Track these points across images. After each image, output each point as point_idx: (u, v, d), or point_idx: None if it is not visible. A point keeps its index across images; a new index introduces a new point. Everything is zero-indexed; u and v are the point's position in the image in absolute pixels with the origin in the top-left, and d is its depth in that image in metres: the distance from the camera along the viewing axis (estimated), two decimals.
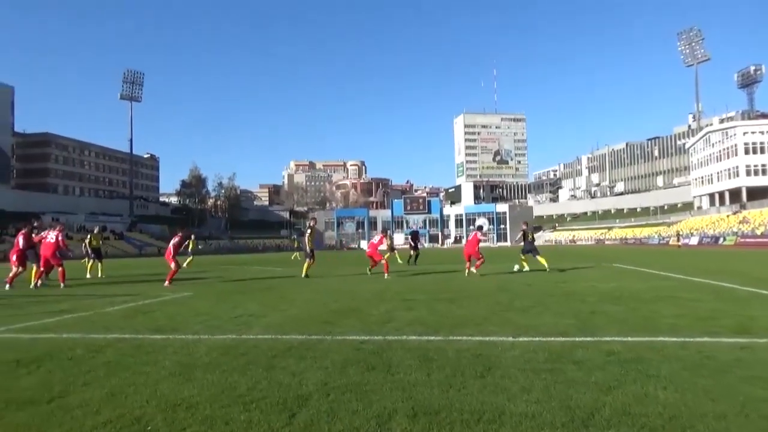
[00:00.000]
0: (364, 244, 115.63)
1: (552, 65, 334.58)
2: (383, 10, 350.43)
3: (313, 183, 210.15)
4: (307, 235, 17.67)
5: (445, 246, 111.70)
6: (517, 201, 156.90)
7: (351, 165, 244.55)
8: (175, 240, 15.32)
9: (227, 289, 13.40)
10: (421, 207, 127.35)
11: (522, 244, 19.08)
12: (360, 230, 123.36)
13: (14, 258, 15.27)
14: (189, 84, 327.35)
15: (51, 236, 15.40)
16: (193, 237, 20.41)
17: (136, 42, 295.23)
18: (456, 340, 5.96)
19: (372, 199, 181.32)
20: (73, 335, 6.67)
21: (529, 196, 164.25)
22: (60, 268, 14.99)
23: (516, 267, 18.10)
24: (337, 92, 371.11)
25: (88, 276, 18.93)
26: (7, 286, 14.22)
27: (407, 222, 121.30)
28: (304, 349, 5.59)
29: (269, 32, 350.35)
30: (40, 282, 14.92)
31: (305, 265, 17.16)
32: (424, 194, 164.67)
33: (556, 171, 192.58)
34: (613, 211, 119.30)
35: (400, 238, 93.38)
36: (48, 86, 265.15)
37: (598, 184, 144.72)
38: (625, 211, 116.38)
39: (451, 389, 4.06)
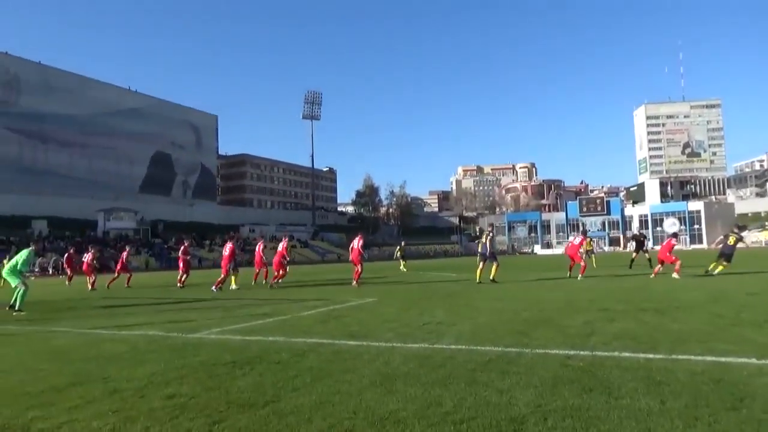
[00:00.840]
0: (537, 249, 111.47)
1: (748, 40, 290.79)
2: None
3: (481, 188, 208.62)
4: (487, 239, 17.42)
5: (628, 249, 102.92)
6: (713, 197, 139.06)
7: (520, 167, 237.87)
8: (359, 242, 17.35)
9: (410, 295, 13.50)
10: (598, 208, 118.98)
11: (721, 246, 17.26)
12: (532, 234, 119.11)
13: (223, 265, 17.35)
14: (363, 100, 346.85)
15: (227, 248, 18.13)
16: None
17: (315, 64, 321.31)
18: (683, 359, 5.09)
19: (544, 201, 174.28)
20: (278, 338, 7.05)
21: (728, 191, 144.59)
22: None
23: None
24: (503, 93, 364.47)
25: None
26: (214, 288, 16.22)
27: (583, 224, 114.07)
28: (504, 362, 5.19)
29: (425, 35, 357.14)
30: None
31: (493, 269, 16.75)
32: (602, 194, 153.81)
33: (763, 161, 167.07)
34: None
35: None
36: (243, 112, 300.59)
37: None
38: None
39: (699, 423, 3.35)
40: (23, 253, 12.13)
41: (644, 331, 6.72)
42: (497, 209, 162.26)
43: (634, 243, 24.40)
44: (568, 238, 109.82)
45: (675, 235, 18.34)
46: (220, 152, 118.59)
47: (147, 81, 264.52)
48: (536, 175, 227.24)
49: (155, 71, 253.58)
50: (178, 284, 20.04)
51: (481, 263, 16.94)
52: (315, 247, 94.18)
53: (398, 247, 33.27)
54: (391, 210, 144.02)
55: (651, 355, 5.31)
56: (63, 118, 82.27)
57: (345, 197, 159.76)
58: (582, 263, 18.17)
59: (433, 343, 6.39)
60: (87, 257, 23.01)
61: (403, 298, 12.45)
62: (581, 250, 19.17)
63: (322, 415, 3.77)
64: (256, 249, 20.27)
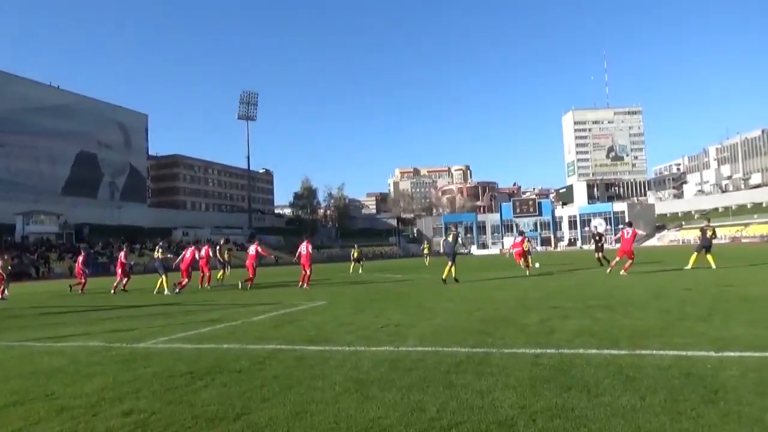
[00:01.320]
0: (474, 249, 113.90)
1: (668, 49, 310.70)
2: (479, 4, 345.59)
3: (418, 190, 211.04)
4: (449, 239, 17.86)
5: (559, 249, 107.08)
6: (636, 199, 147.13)
7: (456, 170, 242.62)
8: (307, 247, 17.90)
9: (360, 297, 13.33)
10: (531, 209, 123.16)
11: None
12: (469, 235, 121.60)
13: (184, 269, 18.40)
14: (300, 100, 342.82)
15: (252, 248, 19.21)
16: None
17: (248, 62, 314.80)
18: (647, 354, 5.21)
19: (479, 203, 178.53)
20: (233, 346, 6.71)
21: (649, 193, 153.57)
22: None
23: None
24: (436, 96, 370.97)
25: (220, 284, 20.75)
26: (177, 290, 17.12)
27: (516, 225, 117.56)
28: (474, 363, 5.13)
29: (362, 39, 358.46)
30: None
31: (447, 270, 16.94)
32: (533, 196, 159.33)
33: (680, 165, 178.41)
34: (749, 206, 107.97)
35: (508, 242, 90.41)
36: (175, 111, 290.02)
37: (729, 177, 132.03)
38: (764, 204, 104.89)
39: (683, 417, 3.39)
40: None
41: (601, 328, 6.87)
42: (434, 210, 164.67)
43: (594, 242, 24.90)
44: (502, 239, 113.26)
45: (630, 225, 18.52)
46: (150, 153, 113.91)
47: (72, 77, 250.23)
48: (471, 177, 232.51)
49: (80, 67, 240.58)
50: (113, 291, 19.22)
51: (450, 262, 16.97)
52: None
53: (353, 250, 32.81)
54: (329, 212, 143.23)
55: (615, 351, 5.40)
56: None
57: (282, 199, 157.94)
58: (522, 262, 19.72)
59: (397, 345, 6.26)
60: None
61: (354, 300, 12.27)
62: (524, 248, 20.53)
63: (301, 426, 3.56)
64: (189, 254, 19.24)
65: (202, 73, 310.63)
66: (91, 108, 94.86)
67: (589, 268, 22.48)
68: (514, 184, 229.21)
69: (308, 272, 17.65)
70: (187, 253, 18.96)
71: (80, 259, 22.45)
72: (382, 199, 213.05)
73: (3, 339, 8.25)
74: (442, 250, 18.72)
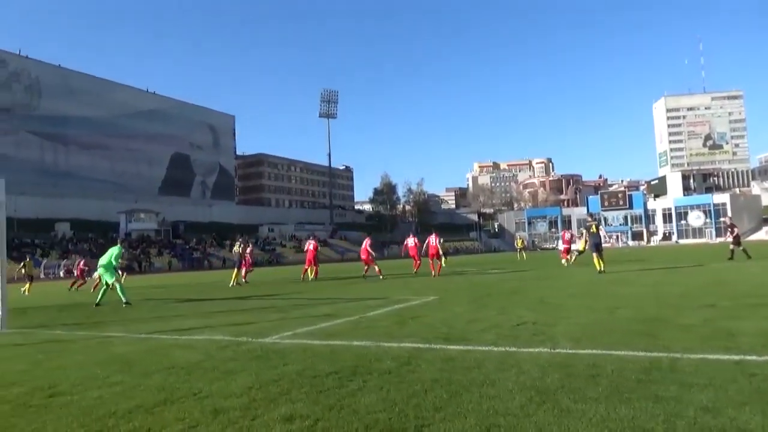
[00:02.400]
0: (560, 245, 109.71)
1: None
2: None
3: (498, 184, 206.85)
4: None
5: (653, 243, 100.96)
6: (737, 190, 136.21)
7: (537, 163, 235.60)
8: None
9: (470, 293, 12.64)
10: (620, 202, 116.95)
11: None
12: (553, 230, 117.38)
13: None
14: (379, 97, 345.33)
15: (311, 244, 21.61)
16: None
17: (331, 63, 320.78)
18: None
19: (562, 197, 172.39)
20: (365, 343, 6.27)
21: (753, 183, 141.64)
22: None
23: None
24: (517, 87, 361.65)
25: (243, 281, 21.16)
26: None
27: (605, 219, 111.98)
28: (665, 370, 4.35)
29: (438, 34, 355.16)
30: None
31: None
32: (622, 188, 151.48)
33: None
34: None
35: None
36: (259, 111, 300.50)
37: None
38: None
39: None
40: (114, 250, 13.38)
41: None
42: (515, 205, 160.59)
43: (730, 233, 23.16)
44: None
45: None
46: (237, 152, 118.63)
47: (165, 82, 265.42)
48: (553, 170, 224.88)
49: (173, 73, 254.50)
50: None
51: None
52: (334, 246, 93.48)
53: None
54: (408, 207, 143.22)
55: None
56: (84, 121, 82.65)
57: (362, 195, 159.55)
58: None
59: (551, 347, 5.56)
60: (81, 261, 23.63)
61: (467, 296, 11.61)
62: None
63: None
64: (310, 248, 21.93)
65: (284, 73, 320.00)
66: (183, 111, 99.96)
67: (699, 265, 20.56)
68: (600, 177, 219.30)
69: (375, 267, 20.18)
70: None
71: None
72: (461, 194, 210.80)
73: (131, 331, 8.30)
74: (582, 243, 20.11)
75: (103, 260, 13.48)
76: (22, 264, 25.22)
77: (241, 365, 5.35)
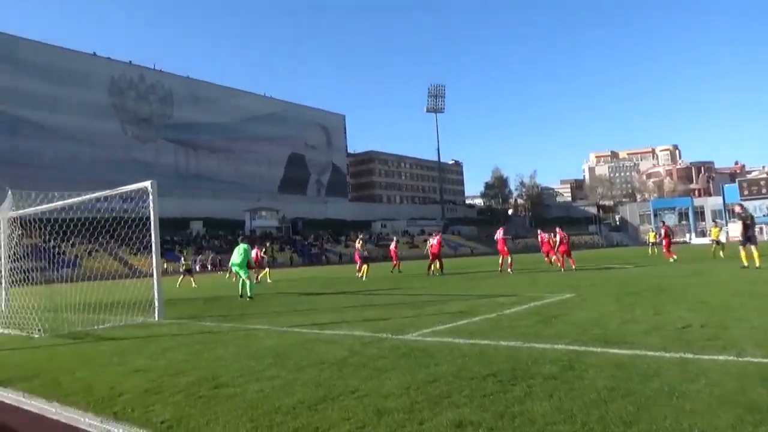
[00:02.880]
0: (692, 238, 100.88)
1: None
2: None
3: (617, 174, 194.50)
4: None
5: None
6: None
7: (661, 150, 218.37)
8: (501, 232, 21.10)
9: (611, 290, 11.74)
10: (763, 191, 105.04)
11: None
12: (683, 222, 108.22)
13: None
14: (487, 89, 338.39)
15: (435, 239, 21.84)
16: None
17: (437, 56, 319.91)
18: None
19: (693, 186, 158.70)
20: (515, 344, 5.92)
21: None
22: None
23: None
24: (634, 71, 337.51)
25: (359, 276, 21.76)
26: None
27: (737, 208, 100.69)
28: None
29: (550, 23, 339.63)
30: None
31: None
32: (764, 175, 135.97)
33: None
34: None
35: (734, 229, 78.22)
36: (368, 109, 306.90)
37: None
38: None
39: None
40: (242, 248, 14.62)
41: None
42: (638, 196, 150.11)
43: None
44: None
45: None
46: (348, 150, 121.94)
47: (280, 86, 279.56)
48: (680, 157, 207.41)
49: (287, 76, 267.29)
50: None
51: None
52: (446, 241, 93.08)
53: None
54: (521, 201, 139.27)
55: None
56: (210, 127, 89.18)
57: (473, 190, 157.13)
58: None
59: (738, 354, 4.86)
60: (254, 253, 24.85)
61: (607, 294, 10.78)
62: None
63: None
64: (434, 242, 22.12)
65: (390, 70, 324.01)
66: (297, 113, 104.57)
67: None
68: (736, 163, 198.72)
69: (508, 258, 20.80)
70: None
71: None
72: (577, 186, 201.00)
73: (274, 324, 8.58)
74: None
75: (235, 259, 14.53)
76: (182, 260, 27.85)
77: (391, 363, 5.23)
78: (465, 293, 12.71)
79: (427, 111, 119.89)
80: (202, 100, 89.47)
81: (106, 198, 10.75)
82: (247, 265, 17.10)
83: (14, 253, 11.52)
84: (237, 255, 14.55)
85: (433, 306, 10.11)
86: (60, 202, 10.61)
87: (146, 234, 10.69)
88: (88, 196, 10.48)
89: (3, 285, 12.42)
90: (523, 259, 32.35)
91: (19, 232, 11.83)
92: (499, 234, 21.37)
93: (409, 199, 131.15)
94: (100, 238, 48.91)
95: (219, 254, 57.05)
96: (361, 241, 23.28)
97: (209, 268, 52.67)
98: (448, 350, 5.75)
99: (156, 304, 10.17)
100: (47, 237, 13.17)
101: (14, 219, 11.65)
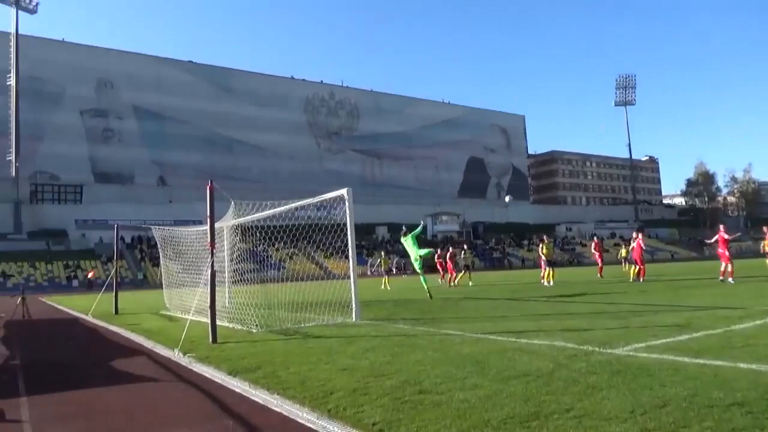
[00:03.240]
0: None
1: None
2: None
3: None
4: None
5: None
6: None
7: None
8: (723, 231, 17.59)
9: None
10: None
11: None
12: None
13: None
14: (684, 74, 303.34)
15: (635, 242, 20.31)
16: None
17: (624, 45, 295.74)
18: None
19: None
20: (756, 366, 5.00)
21: None
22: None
23: None
24: None
25: (544, 282, 20.53)
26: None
27: None
28: None
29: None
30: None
31: None
32: None
33: None
34: None
35: None
36: (549, 108, 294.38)
37: None
38: None
39: None
40: (410, 239, 15.53)
41: None
42: None
43: None
44: None
45: None
46: (529, 151, 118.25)
47: (457, 91, 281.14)
48: None
49: (464, 80, 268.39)
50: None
51: None
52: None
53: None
54: (732, 199, 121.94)
55: None
56: (392, 136, 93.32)
57: (671, 188, 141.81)
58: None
59: None
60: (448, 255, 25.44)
61: None
62: None
63: None
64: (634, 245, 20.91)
65: (572, 65, 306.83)
66: (475, 117, 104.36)
67: None
68: None
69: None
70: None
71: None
72: None
73: (466, 330, 8.46)
74: None
75: (414, 253, 15.61)
76: (378, 261, 29.70)
77: (605, 381, 4.73)
78: (675, 303, 11.30)
79: (616, 105, 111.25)
80: (385, 111, 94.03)
81: (304, 206, 11.71)
82: (443, 267, 17.69)
83: (236, 256, 13.11)
84: (411, 247, 15.33)
85: (641, 317, 9.12)
86: (270, 211, 11.77)
87: (337, 239, 11.43)
88: (295, 204, 11.48)
89: (226, 284, 14.16)
90: (740, 266, 28.05)
91: (237, 238, 13.41)
92: (721, 234, 17.66)
93: (597, 201, 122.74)
94: (299, 243, 54.13)
95: (403, 258, 59.19)
96: (545, 244, 21.71)
97: (394, 272, 54.79)
98: (672, 370, 5.04)
99: (353, 305, 10.71)
100: (257, 242, 14.68)
101: (234, 227, 13.23)
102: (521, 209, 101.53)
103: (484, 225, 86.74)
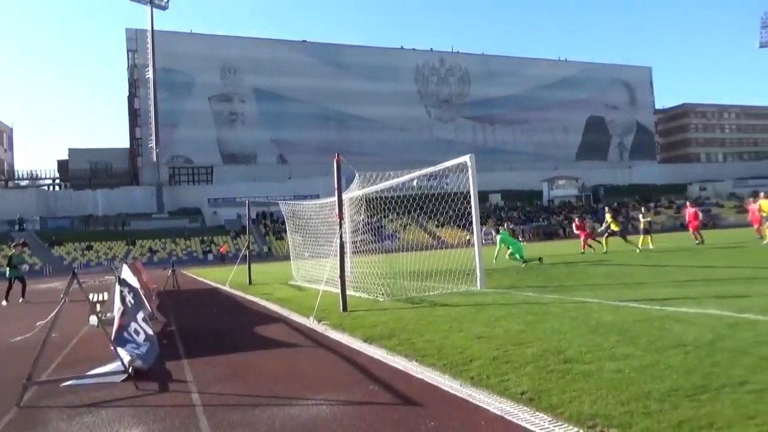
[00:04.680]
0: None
1: None
2: None
3: None
4: None
5: None
6: None
7: None
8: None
9: None
10: None
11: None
12: None
13: None
14: None
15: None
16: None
17: None
18: None
19: None
20: None
21: None
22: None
23: None
24: None
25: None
26: None
27: None
28: None
29: None
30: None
31: None
32: None
33: None
34: None
35: None
36: (680, 56, 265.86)
37: None
38: None
39: None
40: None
41: None
42: None
43: None
44: None
45: None
46: (656, 107, 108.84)
47: (575, 46, 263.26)
48: None
49: (580, 34, 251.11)
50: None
51: None
52: None
53: None
54: None
55: None
56: (504, 100, 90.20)
57: None
58: None
59: None
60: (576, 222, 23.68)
61: None
62: None
63: None
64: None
65: (705, 3, 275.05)
66: (594, 73, 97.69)
67: None
68: None
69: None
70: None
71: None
72: None
73: (601, 297, 7.98)
74: None
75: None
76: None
77: None
78: None
79: (761, 46, 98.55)
80: (496, 75, 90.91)
81: (422, 177, 11.66)
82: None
83: (357, 228, 13.44)
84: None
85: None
86: (394, 180, 11.86)
87: (449, 208, 11.31)
88: (419, 173, 11.49)
89: (348, 254, 14.59)
90: None
91: (361, 209, 13.71)
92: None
93: (736, 156, 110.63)
94: (411, 214, 54.54)
95: (518, 225, 57.63)
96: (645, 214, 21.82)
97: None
98: None
99: (478, 273, 10.56)
100: (372, 213, 14.88)
101: (354, 199, 13.53)
102: (647, 170, 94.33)
103: (605, 188, 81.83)
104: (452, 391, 4.10)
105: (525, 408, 3.54)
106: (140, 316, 6.62)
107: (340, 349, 6.13)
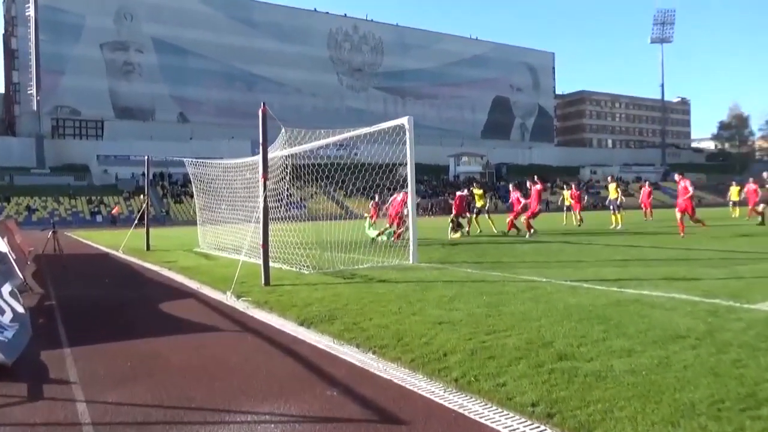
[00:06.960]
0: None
1: None
2: None
3: None
4: None
5: None
6: None
7: None
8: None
9: None
10: None
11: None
12: None
13: None
14: (728, 10, 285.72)
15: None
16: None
17: None
18: None
19: None
20: None
21: None
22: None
23: None
24: None
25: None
26: None
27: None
28: None
29: None
30: None
31: None
32: None
33: None
34: None
35: None
36: (580, 45, 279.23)
37: None
38: None
39: None
40: None
41: None
42: None
43: None
44: None
45: None
46: (557, 92, 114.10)
47: (485, 26, 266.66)
48: None
49: (492, 14, 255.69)
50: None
51: None
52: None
53: None
54: (765, 144, 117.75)
55: None
56: (416, 73, 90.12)
57: (701, 131, 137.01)
58: None
59: None
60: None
61: None
62: None
63: None
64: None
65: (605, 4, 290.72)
66: (502, 54, 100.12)
67: None
68: None
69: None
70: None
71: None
72: None
73: (549, 276, 7.46)
74: None
75: None
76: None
77: None
78: (758, 250, 10.21)
79: (652, 42, 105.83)
80: (410, 47, 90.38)
81: (325, 146, 10.81)
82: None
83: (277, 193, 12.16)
84: None
85: (744, 266, 8.07)
86: (326, 140, 10.75)
87: (354, 180, 10.72)
88: (352, 133, 10.64)
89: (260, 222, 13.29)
90: None
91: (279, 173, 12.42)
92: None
93: (623, 143, 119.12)
94: (319, 182, 53.28)
95: (424, 199, 58.14)
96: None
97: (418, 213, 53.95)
98: None
99: (411, 247, 9.82)
100: (279, 179, 13.73)
101: (277, 159, 12.21)
102: (545, 151, 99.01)
103: (508, 166, 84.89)
104: (436, 399, 3.22)
105: (544, 427, 2.74)
106: (6, 289, 5.17)
107: (272, 335, 5.07)
